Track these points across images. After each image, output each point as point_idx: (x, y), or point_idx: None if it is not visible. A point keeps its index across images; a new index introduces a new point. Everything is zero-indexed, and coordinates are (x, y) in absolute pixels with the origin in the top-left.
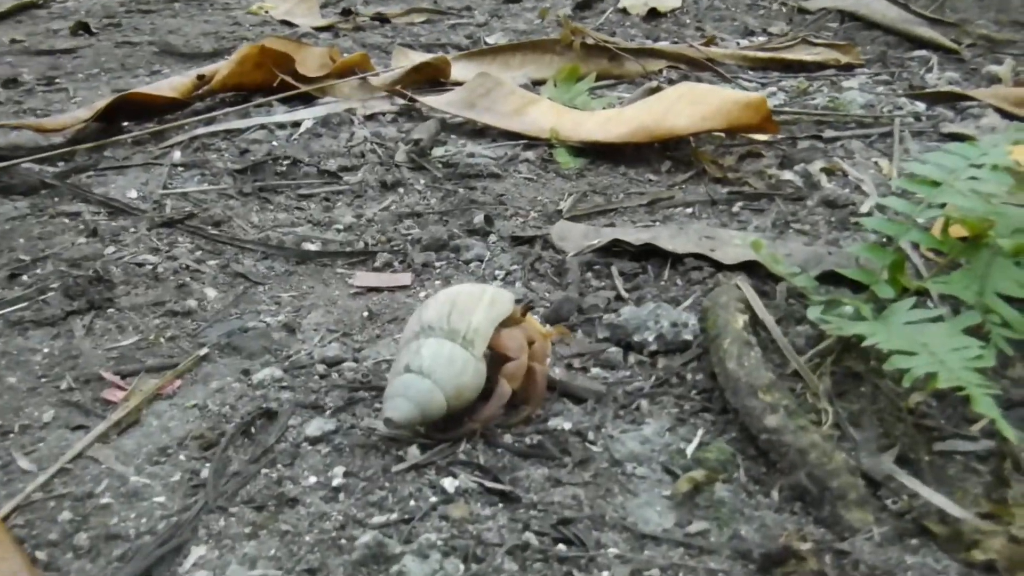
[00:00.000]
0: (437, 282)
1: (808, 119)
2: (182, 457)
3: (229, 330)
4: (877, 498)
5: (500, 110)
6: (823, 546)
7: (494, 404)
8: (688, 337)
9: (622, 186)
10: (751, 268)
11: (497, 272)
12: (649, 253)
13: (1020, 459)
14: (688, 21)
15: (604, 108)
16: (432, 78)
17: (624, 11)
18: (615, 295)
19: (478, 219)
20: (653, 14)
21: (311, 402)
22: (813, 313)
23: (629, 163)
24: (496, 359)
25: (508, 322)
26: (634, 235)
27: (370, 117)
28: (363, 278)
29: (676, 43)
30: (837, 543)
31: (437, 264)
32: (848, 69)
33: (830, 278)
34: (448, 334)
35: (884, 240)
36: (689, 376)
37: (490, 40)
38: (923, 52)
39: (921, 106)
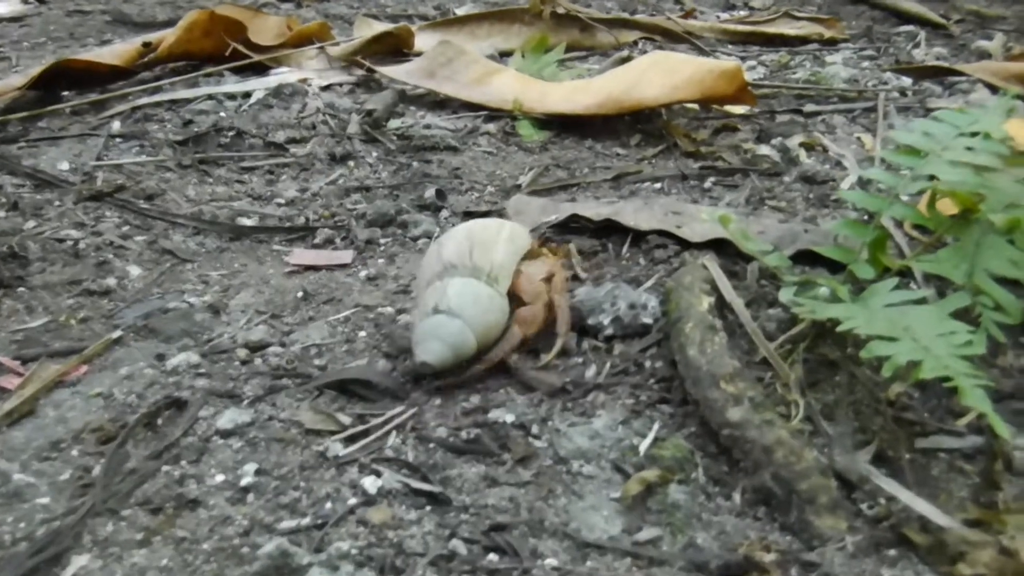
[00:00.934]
0: (380, 260)
1: (788, 93)
2: (75, 452)
3: (148, 311)
4: (851, 502)
5: (461, 80)
6: (789, 557)
7: (502, 347)
8: (648, 320)
9: (587, 160)
10: (721, 247)
11: None
12: (610, 230)
13: (1012, 458)
14: None
15: (573, 80)
16: (394, 49)
17: None
18: (571, 274)
19: (429, 194)
20: None
21: (227, 390)
22: (785, 295)
23: (596, 136)
24: (512, 297)
25: (527, 256)
26: (594, 210)
27: (325, 88)
28: (300, 255)
29: (653, 16)
30: (805, 553)
31: (382, 241)
32: (832, 44)
33: (806, 257)
34: (472, 272)
35: (865, 217)
36: (647, 364)
37: (460, 12)
38: (910, 27)
39: (907, 81)
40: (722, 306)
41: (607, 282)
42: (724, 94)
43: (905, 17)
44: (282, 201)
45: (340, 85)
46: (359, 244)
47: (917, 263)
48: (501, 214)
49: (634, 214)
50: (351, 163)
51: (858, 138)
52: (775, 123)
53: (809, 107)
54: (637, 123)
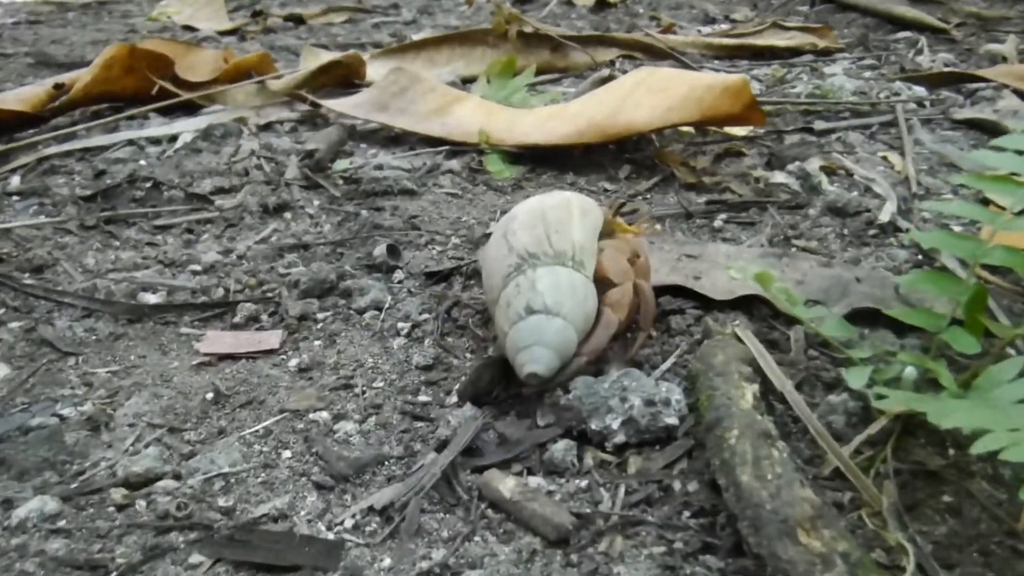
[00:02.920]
0: (316, 342)
1: (794, 109)
2: None
3: (4, 431)
4: None
5: (418, 111)
6: None
7: (600, 336)
8: (672, 421)
9: None
10: (751, 303)
11: (400, 324)
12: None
13: None
14: (641, 11)
15: (546, 106)
16: (344, 80)
17: (570, 2)
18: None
19: (380, 250)
20: (602, 4)
21: (88, 559)
22: (857, 379)
23: (578, 169)
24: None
25: (603, 232)
26: None
27: (265, 127)
28: (214, 341)
29: (630, 32)
30: None
31: (319, 316)
32: (827, 54)
33: (861, 314)
34: (556, 259)
35: (931, 262)
36: (677, 486)
37: (417, 39)
38: (908, 33)
39: (921, 90)
40: (766, 392)
41: (611, 368)
42: (728, 113)
43: (900, 23)
44: (198, 268)
45: (281, 123)
46: (290, 321)
47: None
48: (469, 273)
49: None
50: (287, 215)
51: (884, 157)
52: (785, 145)
53: (819, 124)
54: (624, 152)
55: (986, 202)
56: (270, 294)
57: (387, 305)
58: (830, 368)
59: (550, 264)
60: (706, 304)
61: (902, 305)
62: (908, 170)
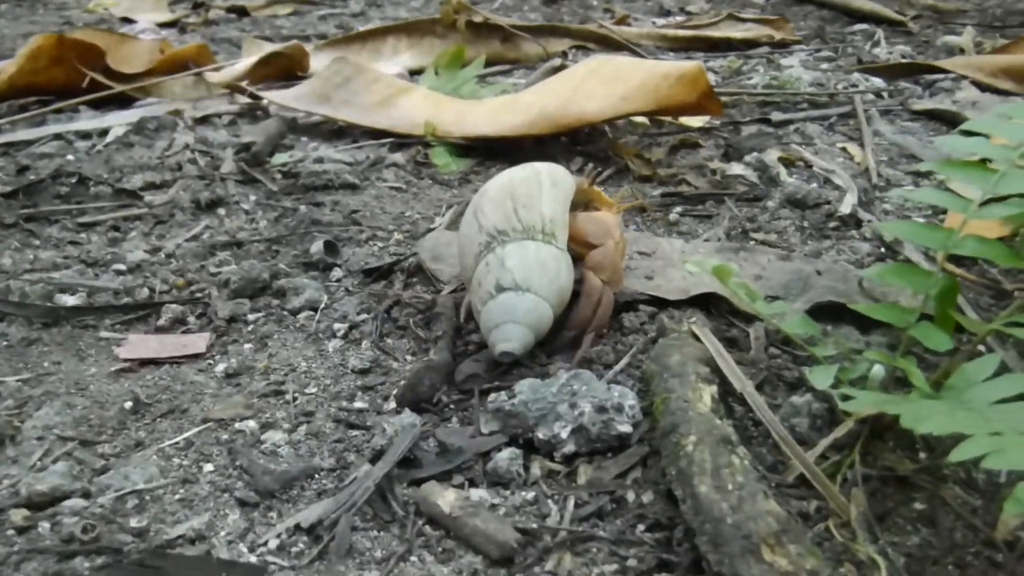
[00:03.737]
0: (246, 345)
1: (751, 100)
2: None
3: None
4: None
5: (361, 102)
6: None
7: (585, 306)
8: (625, 428)
9: None
10: (707, 299)
11: (336, 326)
12: None
13: None
14: (595, 2)
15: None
16: (287, 71)
17: None
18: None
19: (317, 247)
20: None
21: None
22: (822, 379)
23: (530, 161)
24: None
25: (577, 200)
26: None
27: (201, 120)
28: (136, 345)
29: (584, 24)
30: None
31: (250, 317)
32: (783, 46)
33: (825, 309)
34: (525, 233)
35: (895, 255)
36: (631, 497)
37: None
38: (865, 26)
39: (879, 81)
40: (725, 394)
41: (559, 368)
42: (684, 103)
43: (857, 15)
44: (123, 268)
45: (219, 116)
46: (219, 324)
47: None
48: (411, 270)
49: None
50: (221, 211)
51: (843, 149)
52: (742, 136)
53: (776, 115)
54: (576, 144)
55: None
56: (199, 294)
57: (323, 305)
58: (792, 367)
59: (519, 240)
60: (661, 300)
61: (866, 299)
62: (868, 161)
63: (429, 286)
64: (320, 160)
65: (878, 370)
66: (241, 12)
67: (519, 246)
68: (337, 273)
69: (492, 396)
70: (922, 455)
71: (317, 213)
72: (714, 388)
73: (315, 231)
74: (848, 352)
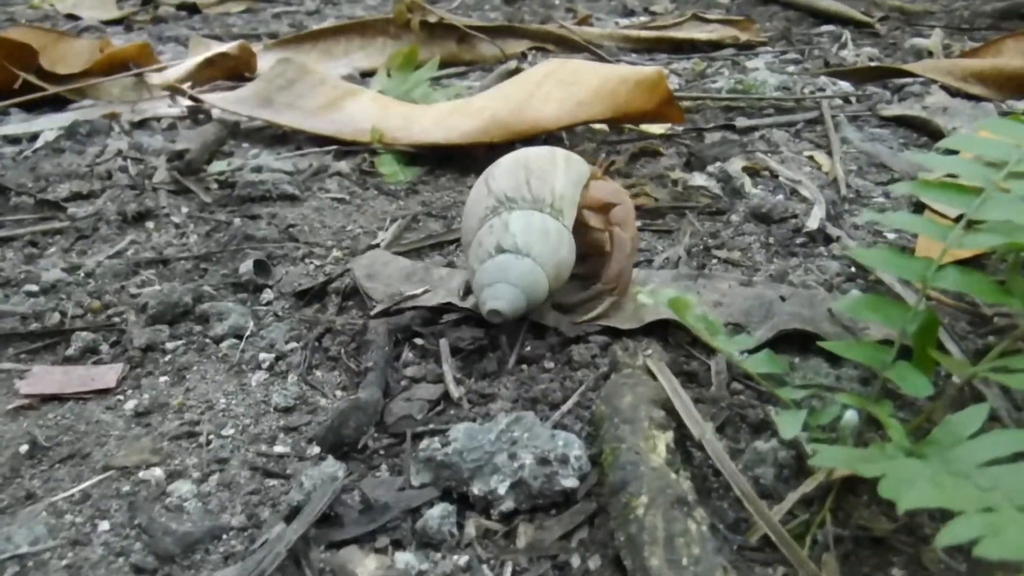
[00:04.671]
0: (162, 379)
1: (714, 105)
2: None
3: None
4: None
5: (306, 106)
6: None
7: (619, 258)
8: (569, 483)
9: None
10: (664, 326)
11: (262, 356)
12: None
13: None
14: (557, 2)
15: (449, 101)
16: (234, 72)
17: None
18: (442, 394)
19: (246, 267)
20: None
21: None
22: (790, 426)
23: (481, 170)
24: (581, 228)
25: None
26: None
27: (139, 124)
28: (40, 378)
29: (544, 24)
30: None
31: (168, 346)
32: (749, 48)
33: (791, 337)
34: (533, 203)
35: (866, 275)
36: (576, 562)
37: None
38: (831, 27)
39: (847, 85)
40: (683, 438)
41: (498, 409)
42: (643, 109)
43: (824, 16)
44: (35, 288)
45: (158, 120)
46: (133, 353)
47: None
48: (346, 292)
49: None
50: (149, 224)
51: (810, 157)
52: (705, 144)
53: (741, 121)
54: None
55: (920, 207)
56: (116, 318)
57: (249, 332)
58: (756, 404)
59: (527, 208)
60: (614, 330)
61: (834, 327)
62: (836, 171)
63: (364, 309)
64: (259, 169)
65: (851, 417)
66: (192, 9)
67: (525, 214)
68: (267, 295)
69: (424, 443)
70: (900, 512)
71: (252, 227)
72: (670, 435)
73: (247, 248)
74: (817, 389)
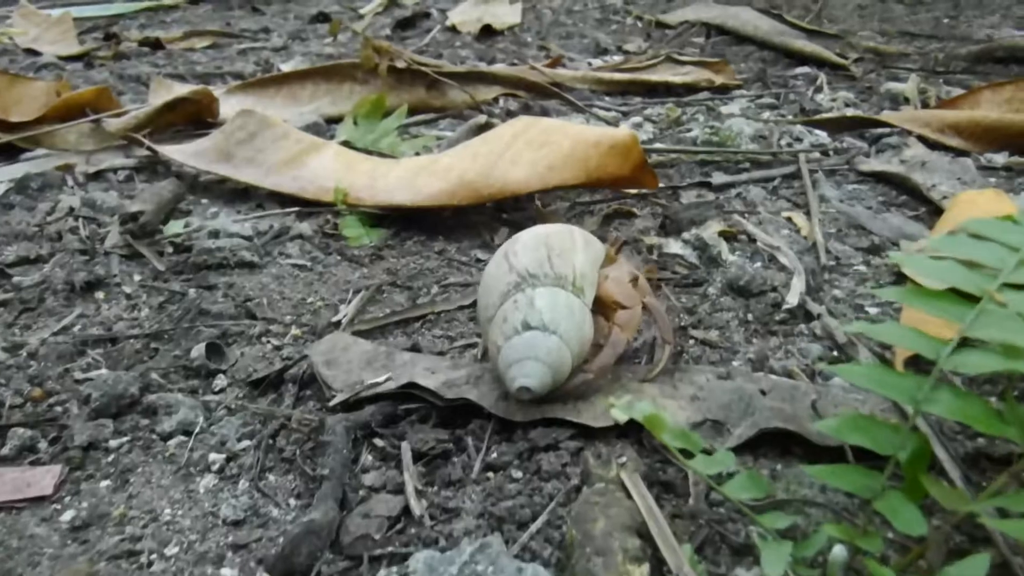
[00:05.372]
0: (103, 483)
1: (688, 159)
2: None
3: None
4: None
5: (267, 161)
6: None
7: (608, 354)
8: None
9: (437, 272)
10: (639, 426)
11: (212, 456)
12: (468, 411)
13: None
14: (530, 40)
15: (418, 153)
16: (195, 117)
17: (454, 29)
18: (403, 508)
19: (198, 351)
20: (488, 32)
21: None
22: (773, 566)
23: (449, 233)
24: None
25: (604, 263)
26: (444, 375)
27: (94, 176)
28: None
29: (515, 64)
30: None
31: (111, 444)
32: (724, 91)
33: (767, 437)
34: (556, 281)
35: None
36: None
37: (286, 67)
38: (806, 69)
39: (823, 136)
40: (660, 564)
41: (461, 532)
42: (616, 175)
43: (798, 57)
44: None
45: (114, 171)
46: (74, 453)
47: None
48: (304, 380)
49: (501, 388)
50: (100, 295)
51: (788, 219)
52: (680, 205)
53: (718, 177)
54: (503, 211)
55: (902, 277)
56: (58, 408)
57: (198, 429)
58: (737, 519)
59: (550, 286)
60: (585, 430)
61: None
62: (815, 235)
63: (322, 400)
64: (216, 234)
65: (838, 553)
66: (155, 45)
67: (550, 291)
68: (220, 381)
69: (382, 573)
70: None
71: (207, 300)
72: (645, 569)
73: (201, 324)
74: (802, 506)
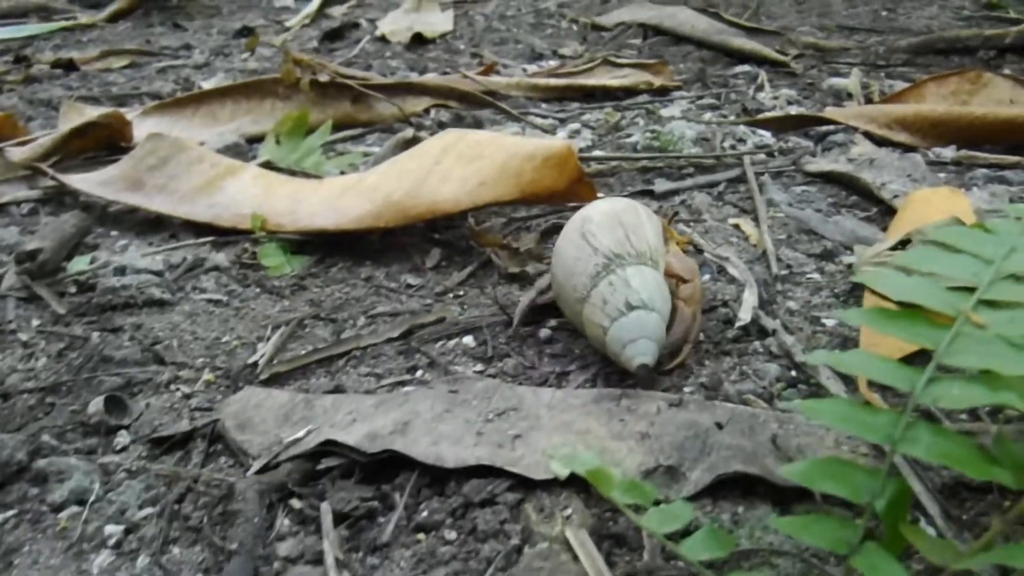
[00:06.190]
0: None
1: (630, 167)
2: None
3: None
4: None
5: (180, 188)
6: None
7: (679, 331)
8: None
9: (364, 302)
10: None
11: (108, 529)
12: (396, 464)
13: None
14: (462, 47)
15: (343, 171)
16: (107, 142)
17: (384, 39)
18: None
19: (96, 405)
20: (419, 41)
21: None
22: None
23: (377, 257)
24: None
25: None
26: (365, 428)
27: None
28: None
29: (447, 73)
30: None
31: None
32: (663, 93)
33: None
34: (639, 258)
35: (807, 380)
36: None
37: (207, 85)
38: (747, 67)
39: (767, 136)
40: None
41: None
42: (552, 188)
43: (738, 56)
44: None
45: (17, 204)
46: None
47: None
48: (214, 436)
49: (431, 432)
50: None
51: (735, 226)
52: None
53: (660, 184)
54: (434, 230)
55: (858, 285)
56: None
57: (94, 497)
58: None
59: (635, 264)
60: (526, 481)
61: (779, 459)
62: (765, 243)
63: (234, 456)
64: (122, 270)
65: None
66: (69, 66)
67: (637, 270)
68: (122, 438)
69: None
70: None
71: (112, 344)
72: None
73: (103, 374)
74: (769, 555)
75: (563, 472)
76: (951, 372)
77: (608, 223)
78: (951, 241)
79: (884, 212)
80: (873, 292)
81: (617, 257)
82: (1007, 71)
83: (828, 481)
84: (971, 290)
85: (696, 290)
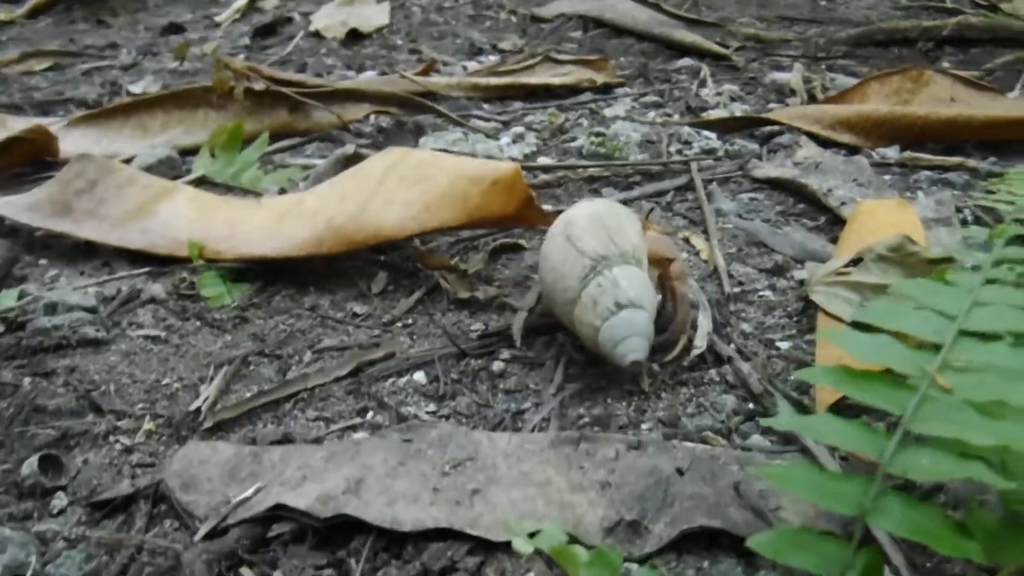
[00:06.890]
0: None
1: (576, 177)
2: None
3: None
4: None
5: (112, 213)
6: None
7: (684, 311)
8: None
9: (309, 334)
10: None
11: None
12: (349, 529)
13: None
14: (399, 42)
15: (283, 188)
16: (35, 158)
17: (318, 35)
18: None
19: (30, 466)
20: (355, 36)
21: None
22: None
23: (321, 283)
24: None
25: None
26: (316, 488)
27: None
28: None
29: (385, 73)
30: None
31: None
32: (606, 91)
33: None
34: (623, 258)
35: (764, 411)
36: None
37: (136, 89)
38: (688, 61)
39: (713, 138)
40: None
41: None
42: (500, 213)
43: (679, 48)
44: None
45: None
46: None
47: None
48: (159, 496)
49: (386, 490)
50: None
51: (685, 239)
52: None
53: (608, 194)
54: (379, 251)
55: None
56: None
57: (31, 572)
58: None
59: (621, 264)
60: (486, 541)
61: (741, 509)
62: (716, 259)
63: (180, 518)
64: (53, 308)
65: None
66: None
67: (623, 269)
68: (59, 500)
69: None
70: None
71: (44, 392)
72: None
73: (36, 427)
74: None
75: (527, 549)
76: (921, 439)
77: (591, 226)
78: (911, 294)
79: (832, 221)
80: (826, 313)
81: (603, 259)
82: (946, 63)
83: (797, 553)
84: (937, 347)
85: (682, 266)
